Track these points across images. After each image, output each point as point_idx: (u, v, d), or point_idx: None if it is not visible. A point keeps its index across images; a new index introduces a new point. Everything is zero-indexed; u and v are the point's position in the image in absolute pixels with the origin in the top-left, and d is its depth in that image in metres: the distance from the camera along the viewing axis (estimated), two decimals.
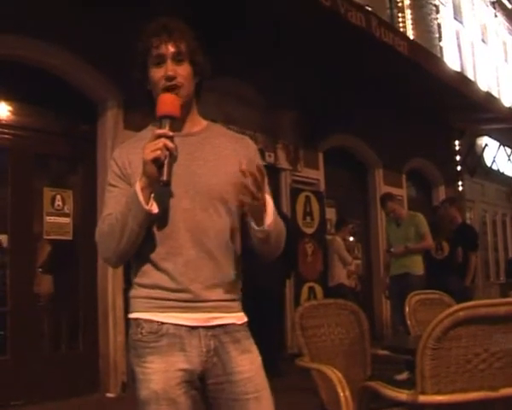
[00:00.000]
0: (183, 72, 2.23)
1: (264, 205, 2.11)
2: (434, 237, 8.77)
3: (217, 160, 2.26)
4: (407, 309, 4.57)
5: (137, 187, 2.09)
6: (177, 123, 2.18)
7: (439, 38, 15.02)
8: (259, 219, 2.14)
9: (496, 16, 19.29)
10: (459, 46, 16.31)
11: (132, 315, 2.25)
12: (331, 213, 11.18)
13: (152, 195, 2.11)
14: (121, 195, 2.21)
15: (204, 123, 2.38)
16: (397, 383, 2.90)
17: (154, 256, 2.19)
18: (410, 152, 13.22)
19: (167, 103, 2.16)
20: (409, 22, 13.39)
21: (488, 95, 14.50)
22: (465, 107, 12.88)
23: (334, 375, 3.26)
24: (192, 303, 2.17)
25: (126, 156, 2.27)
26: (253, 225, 2.16)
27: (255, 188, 2.04)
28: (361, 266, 11.94)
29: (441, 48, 14.96)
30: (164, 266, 2.18)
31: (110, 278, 7.08)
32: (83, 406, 6.63)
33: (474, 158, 15.86)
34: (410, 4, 13.56)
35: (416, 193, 14.48)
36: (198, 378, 2.18)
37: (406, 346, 4.20)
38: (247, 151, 2.34)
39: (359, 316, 3.89)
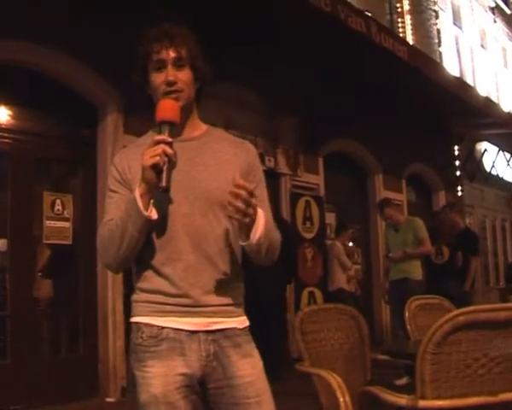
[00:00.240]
0: (183, 77, 2.23)
1: (252, 222, 2.09)
2: (434, 241, 8.78)
3: (217, 165, 2.26)
4: (407, 314, 4.57)
5: (137, 193, 2.09)
6: (176, 128, 2.18)
7: (439, 44, 15.03)
8: (245, 235, 2.13)
9: (495, 22, 19.31)
10: (458, 51, 16.33)
11: (133, 319, 2.25)
12: (331, 218, 11.18)
13: (151, 201, 2.11)
14: (121, 200, 2.21)
15: (204, 127, 2.38)
16: (396, 388, 2.90)
17: (154, 262, 2.19)
18: (409, 157, 13.23)
19: (167, 109, 2.15)
20: (408, 28, 13.42)
21: (487, 100, 14.51)
22: (464, 112, 12.89)
23: (334, 380, 3.26)
24: (192, 308, 2.17)
25: (126, 162, 2.27)
26: (239, 239, 2.16)
27: (245, 204, 2.03)
28: (361, 271, 11.94)
29: (440, 53, 14.97)
30: (164, 272, 2.18)
31: (110, 283, 7.08)
32: None
33: (473, 163, 15.87)
34: (409, 10, 13.58)
35: (415, 198, 14.48)
36: (198, 383, 2.18)
37: (406, 351, 4.20)
38: (248, 156, 2.34)
39: (359, 321, 3.89)
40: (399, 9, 13.33)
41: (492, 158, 16.97)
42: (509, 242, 18.81)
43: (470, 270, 8.96)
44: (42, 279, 7.07)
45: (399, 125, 12.18)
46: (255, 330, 2.34)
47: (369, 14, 9.93)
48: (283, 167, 9.97)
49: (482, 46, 18.11)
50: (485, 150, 16.62)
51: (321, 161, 10.87)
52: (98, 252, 2.29)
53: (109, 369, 7.09)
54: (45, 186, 7.11)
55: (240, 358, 2.21)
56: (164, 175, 2.06)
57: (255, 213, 2.08)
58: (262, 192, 2.32)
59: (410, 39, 13.03)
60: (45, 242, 7.02)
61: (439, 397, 2.53)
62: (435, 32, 15.03)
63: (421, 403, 2.53)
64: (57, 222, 7.04)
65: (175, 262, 2.18)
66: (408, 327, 4.53)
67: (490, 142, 16.67)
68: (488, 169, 16.82)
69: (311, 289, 10.01)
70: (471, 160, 15.78)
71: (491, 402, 2.54)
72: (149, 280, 2.21)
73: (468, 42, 17.02)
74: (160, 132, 2.12)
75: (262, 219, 2.12)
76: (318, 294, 10.04)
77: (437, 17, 15.12)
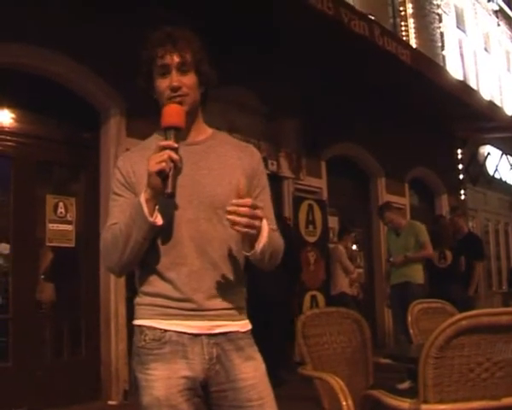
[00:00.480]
0: (188, 81, 2.22)
1: (258, 233, 2.10)
2: (437, 245, 8.77)
3: (222, 169, 2.25)
4: (409, 318, 4.57)
5: (142, 199, 2.09)
6: (182, 133, 2.18)
7: (442, 47, 15.04)
8: (249, 246, 2.13)
9: (499, 25, 19.30)
10: (462, 55, 16.32)
11: (136, 322, 2.25)
12: (333, 222, 11.17)
13: (156, 207, 2.11)
14: (126, 204, 2.21)
15: (209, 131, 2.37)
16: (399, 392, 2.90)
17: (158, 266, 2.19)
18: (412, 161, 13.22)
19: (172, 114, 2.14)
20: (412, 31, 13.42)
21: (491, 104, 14.51)
22: (468, 115, 12.89)
23: (337, 383, 3.25)
24: (195, 312, 2.17)
25: (130, 165, 2.27)
26: (242, 249, 2.17)
27: (250, 219, 2.04)
28: (363, 275, 11.92)
29: (444, 57, 14.98)
30: (168, 276, 2.18)
31: (112, 286, 7.08)
32: None
33: (476, 167, 15.86)
34: (412, 13, 13.59)
35: (418, 202, 14.47)
36: (201, 386, 2.18)
37: (408, 355, 4.19)
38: (252, 160, 2.34)
39: (361, 324, 3.89)
40: (403, 13, 13.34)
41: (495, 162, 16.96)
42: (511, 246, 18.78)
43: (475, 275, 8.95)
44: (44, 282, 7.08)
45: (402, 128, 12.18)
46: (258, 334, 2.33)
47: (373, 18, 9.93)
48: (286, 171, 9.97)
49: (486, 50, 18.11)
50: (489, 154, 16.62)
51: (323, 164, 10.86)
52: (101, 256, 2.29)
53: (111, 372, 7.09)
54: (48, 189, 7.12)
55: (242, 361, 2.21)
56: (169, 181, 2.06)
57: (260, 225, 2.09)
58: (266, 197, 2.32)
59: (413, 43, 13.04)
60: (48, 245, 7.02)
61: (441, 401, 2.52)
62: (438, 36, 15.03)
63: (424, 407, 2.53)
64: (60, 225, 7.04)
65: (179, 267, 2.18)
66: (410, 331, 4.52)
67: (493, 145, 16.66)
68: (491, 173, 16.82)
69: (314, 292, 10.00)
70: (474, 163, 15.77)
71: (493, 407, 2.53)
72: (153, 284, 2.21)
73: (472, 45, 17.01)
74: (165, 138, 2.11)
75: (266, 229, 2.12)
76: (321, 297, 10.03)
77: (440, 20, 15.13)
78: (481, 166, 16.26)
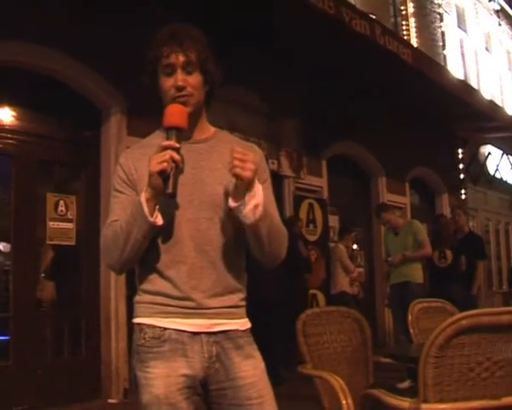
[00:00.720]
0: (193, 81, 2.22)
1: (248, 183, 2.05)
2: (437, 245, 8.77)
3: (224, 168, 2.22)
4: (410, 317, 4.57)
5: (143, 198, 2.09)
6: (184, 133, 2.17)
7: (443, 47, 15.03)
8: (239, 195, 2.07)
9: (500, 25, 19.29)
10: (463, 54, 16.31)
11: (136, 320, 2.25)
12: (334, 221, 11.17)
13: (157, 206, 2.11)
14: (127, 201, 2.21)
15: (212, 130, 2.37)
16: (399, 392, 2.90)
17: (158, 264, 2.19)
18: (413, 160, 13.22)
19: (174, 114, 2.14)
20: (413, 30, 13.41)
21: (491, 103, 14.50)
22: (468, 115, 12.89)
23: (337, 382, 3.25)
24: (195, 310, 2.17)
25: (132, 162, 2.27)
26: (230, 201, 2.10)
27: (244, 160, 2.03)
28: (363, 274, 11.92)
29: (445, 56, 14.97)
30: (168, 274, 2.18)
31: (113, 284, 7.08)
32: None
33: (477, 166, 15.86)
34: (414, 12, 13.58)
35: (419, 201, 14.47)
36: (200, 384, 2.18)
37: (409, 354, 4.19)
38: (254, 158, 2.33)
39: (362, 324, 3.89)
40: (404, 12, 13.33)
41: (496, 161, 16.96)
42: None
43: (478, 274, 8.95)
44: (45, 280, 7.09)
45: (403, 128, 12.19)
46: (258, 333, 2.33)
47: (374, 17, 9.93)
48: (286, 170, 9.97)
49: (487, 49, 18.09)
50: (489, 153, 16.61)
51: (324, 163, 10.87)
52: (101, 252, 2.29)
53: (112, 370, 7.09)
54: (49, 187, 7.12)
55: (242, 359, 2.21)
56: (170, 181, 2.05)
57: (252, 175, 2.05)
58: (267, 193, 2.28)
59: (414, 42, 13.03)
60: (48, 243, 7.03)
61: (441, 401, 2.52)
62: (440, 35, 15.02)
63: (424, 407, 2.53)
64: (60, 223, 7.05)
65: (179, 265, 2.18)
66: (411, 330, 4.52)
67: (494, 145, 16.65)
68: (492, 172, 16.81)
69: (314, 291, 10.00)
70: (475, 163, 15.77)
71: (493, 406, 2.53)
72: (153, 282, 2.21)
73: (473, 45, 17.00)
74: (167, 138, 2.11)
75: (260, 191, 2.08)
76: (321, 296, 10.03)
77: (441, 20, 15.12)
78: (482, 165, 16.26)
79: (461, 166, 15.26)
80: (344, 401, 3.16)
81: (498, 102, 16.34)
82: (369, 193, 12.66)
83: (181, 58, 2.20)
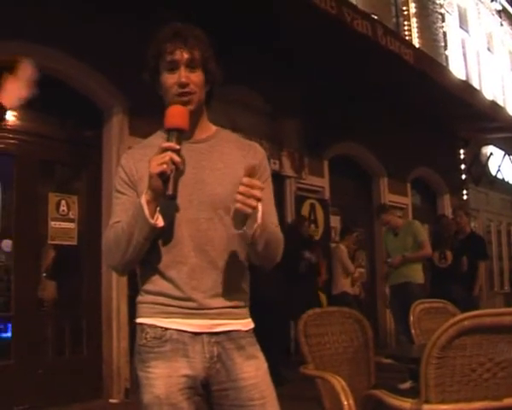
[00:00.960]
0: (195, 79, 2.22)
1: (252, 213, 2.04)
2: (438, 245, 8.76)
3: (224, 168, 2.24)
4: (411, 318, 4.56)
5: (143, 200, 2.08)
6: (185, 134, 2.16)
7: (445, 47, 15.02)
8: (240, 224, 2.08)
9: (502, 25, 19.27)
10: (464, 55, 16.30)
11: (137, 320, 2.25)
12: (336, 221, 11.17)
13: (158, 208, 2.10)
14: (129, 202, 2.21)
15: (213, 129, 2.37)
16: (400, 392, 2.89)
17: (159, 265, 2.19)
18: (414, 161, 13.22)
19: (175, 116, 2.13)
20: (414, 31, 13.41)
21: (493, 104, 14.50)
22: (470, 116, 12.88)
23: (338, 383, 3.25)
24: (196, 310, 2.17)
25: (133, 163, 2.27)
26: (233, 227, 2.11)
27: (248, 194, 2.01)
28: (365, 275, 11.91)
29: (447, 56, 14.96)
30: (169, 275, 2.18)
31: (114, 284, 7.09)
32: None
33: (478, 167, 15.85)
34: (415, 13, 13.58)
35: (420, 202, 14.46)
36: (201, 385, 2.18)
37: (410, 355, 4.19)
38: (255, 157, 2.32)
39: (363, 324, 3.88)
40: (405, 12, 13.32)
41: (498, 162, 16.94)
42: None
43: (479, 274, 8.94)
44: (46, 280, 7.08)
45: (404, 128, 12.18)
46: (257, 333, 2.33)
47: (375, 17, 9.93)
48: (288, 170, 9.97)
49: (489, 49, 18.08)
50: (491, 154, 16.59)
51: (326, 163, 10.87)
52: (104, 254, 2.29)
53: (113, 370, 7.09)
54: (50, 187, 7.12)
55: (244, 360, 2.20)
56: (170, 183, 2.05)
57: (256, 205, 2.04)
58: (266, 192, 2.26)
59: (416, 42, 13.03)
60: (50, 242, 7.03)
61: (443, 401, 2.52)
62: (441, 36, 15.02)
63: (426, 407, 2.52)
64: (62, 223, 7.05)
65: (180, 266, 2.17)
66: (412, 331, 4.52)
67: (496, 146, 16.64)
68: (494, 173, 16.79)
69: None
70: (476, 163, 15.75)
71: (495, 407, 2.53)
72: (154, 282, 2.21)
73: (475, 45, 17.00)
74: (167, 139, 2.10)
75: (260, 212, 2.07)
76: (322, 297, 10.01)
77: (443, 20, 15.11)
78: (484, 166, 16.24)
79: (463, 166, 15.25)
80: (345, 402, 3.15)
81: (500, 103, 16.34)
82: (371, 193, 12.66)
83: (185, 55, 2.20)
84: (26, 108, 6.83)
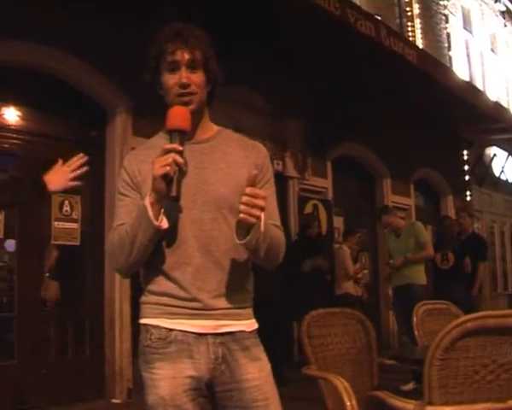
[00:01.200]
0: (196, 79, 2.21)
1: (254, 222, 2.04)
2: (440, 246, 8.76)
3: (227, 168, 2.24)
4: (414, 319, 4.55)
5: (147, 202, 2.08)
6: (187, 135, 2.16)
7: (449, 48, 15.01)
8: (242, 233, 2.08)
9: (505, 26, 19.25)
10: (468, 56, 16.29)
11: (142, 321, 2.24)
12: (339, 222, 11.16)
13: (162, 210, 2.10)
14: (132, 204, 2.21)
15: (215, 129, 2.36)
16: (403, 394, 2.89)
17: (163, 266, 2.19)
18: (418, 162, 13.20)
19: (177, 117, 2.13)
20: (418, 31, 13.40)
21: (497, 105, 14.48)
22: (474, 117, 12.87)
23: (341, 384, 3.24)
24: (201, 311, 2.16)
25: (136, 165, 2.26)
26: (235, 236, 2.11)
27: (251, 204, 2.01)
28: (368, 276, 11.88)
29: (450, 57, 14.95)
30: (173, 276, 2.18)
31: (117, 284, 7.09)
32: None
33: (482, 168, 15.83)
34: (419, 14, 13.57)
35: (424, 203, 14.45)
36: (206, 386, 2.17)
37: (413, 356, 4.19)
38: (257, 157, 2.32)
39: (366, 325, 3.88)
40: (409, 13, 13.31)
41: (502, 163, 16.91)
42: None
43: (478, 275, 8.93)
44: (49, 280, 7.09)
45: (408, 129, 12.17)
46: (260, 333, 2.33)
47: (379, 18, 9.93)
48: (291, 171, 9.97)
49: (492, 50, 18.06)
50: (495, 155, 16.57)
51: (329, 164, 10.86)
52: (108, 257, 2.28)
53: (116, 371, 7.10)
54: None
55: (248, 361, 2.20)
56: (174, 184, 2.05)
57: (260, 214, 2.04)
58: (268, 192, 2.26)
59: (419, 43, 13.02)
60: (53, 243, 7.03)
61: (446, 403, 2.51)
62: (445, 36, 15.00)
63: (429, 409, 2.51)
64: (65, 223, 7.05)
65: (184, 267, 2.17)
66: (416, 333, 4.51)
67: (499, 147, 16.62)
68: (497, 174, 16.77)
69: None
70: (480, 165, 15.74)
71: (499, 409, 2.52)
72: (159, 283, 2.20)
73: (478, 46, 16.98)
74: (170, 140, 2.10)
75: (263, 220, 2.07)
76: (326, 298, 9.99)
77: (447, 21, 15.10)
78: (487, 167, 16.22)
79: (466, 167, 15.24)
80: (348, 403, 3.15)
81: (504, 104, 16.32)
82: (374, 194, 12.65)
83: (186, 56, 2.19)
84: (29, 107, 6.87)
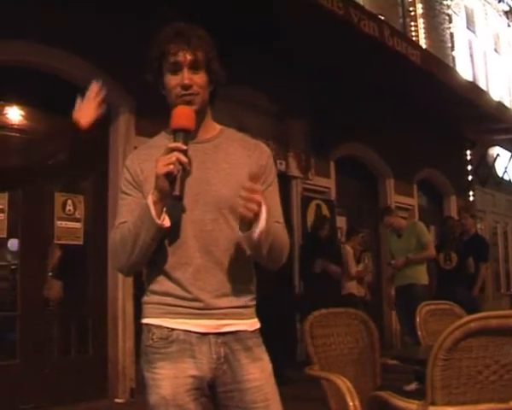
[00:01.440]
0: (199, 80, 2.21)
1: (255, 217, 2.04)
2: (443, 247, 8.75)
3: (229, 168, 2.24)
4: (417, 320, 4.55)
5: (150, 201, 2.08)
6: (191, 134, 2.16)
7: (452, 48, 15.00)
8: (245, 227, 2.08)
9: (509, 26, 19.22)
10: (471, 56, 16.27)
11: (144, 321, 2.24)
12: (341, 222, 11.16)
13: (164, 209, 2.10)
14: (134, 203, 2.21)
15: (217, 128, 2.36)
16: (406, 394, 2.89)
17: (165, 266, 2.19)
18: (421, 162, 13.19)
19: (181, 116, 2.13)
20: (421, 31, 13.39)
21: (500, 105, 14.46)
22: (477, 117, 12.85)
23: (344, 384, 3.25)
24: (203, 311, 2.16)
25: (138, 164, 2.26)
26: (238, 230, 2.11)
27: (249, 198, 2.01)
28: (371, 276, 11.87)
29: (453, 57, 14.94)
30: (175, 276, 2.18)
31: (120, 284, 7.09)
32: None
33: (485, 168, 15.81)
34: (422, 13, 13.56)
35: (427, 203, 14.43)
36: (208, 386, 2.17)
37: (416, 356, 4.18)
38: (260, 157, 2.32)
39: (369, 326, 3.88)
40: (412, 13, 13.30)
41: (505, 163, 16.90)
42: None
43: (480, 275, 8.93)
44: (52, 280, 7.09)
45: (411, 129, 12.16)
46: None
47: (382, 18, 9.92)
48: (294, 171, 9.97)
49: (496, 50, 18.03)
50: (498, 155, 16.56)
51: (332, 164, 10.86)
52: (110, 256, 2.29)
53: (118, 370, 7.10)
54: (56, 187, 7.12)
55: (250, 361, 2.20)
56: (177, 183, 2.05)
57: (257, 209, 2.03)
58: (273, 193, 2.28)
59: (422, 43, 13.00)
60: (56, 242, 7.04)
61: (449, 403, 2.51)
62: (448, 36, 14.99)
63: (432, 409, 2.52)
64: (68, 223, 7.06)
65: (185, 267, 2.17)
66: (419, 333, 4.51)
67: (502, 147, 16.61)
68: (500, 174, 16.75)
69: None
70: (483, 165, 15.72)
71: (501, 409, 2.52)
72: (161, 283, 2.20)
73: (482, 46, 16.95)
74: (174, 140, 2.10)
75: (264, 216, 2.06)
76: None
77: (450, 21, 15.08)
78: (490, 167, 16.20)
79: (469, 167, 15.23)
80: (351, 403, 3.15)
81: (507, 104, 16.28)
82: (377, 194, 12.64)
83: (188, 57, 2.19)
84: (32, 107, 6.87)
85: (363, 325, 3.88)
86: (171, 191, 2.05)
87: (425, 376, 2.54)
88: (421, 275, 8.13)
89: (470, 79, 14.79)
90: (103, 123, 7.40)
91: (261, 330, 2.31)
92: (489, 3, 17.83)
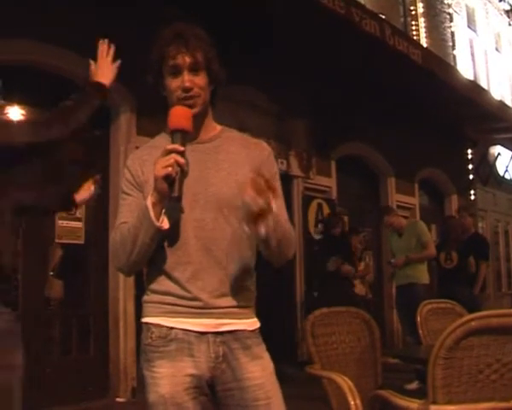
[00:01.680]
0: (199, 82, 2.21)
1: (260, 212, 2.01)
2: (444, 246, 8.75)
3: (230, 168, 2.24)
4: (418, 319, 4.55)
5: (149, 202, 2.08)
6: (190, 135, 2.16)
7: (453, 47, 14.99)
8: (251, 224, 2.05)
9: (510, 25, 19.21)
10: (472, 55, 16.26)
11: (143, 320, 2.25)
12: None
13: (163, 210, 2.10)
14: (135, 203, 2.21)
15: (218, 128, 2.36)
16: (407, 393, 2.89)
17: (165, 265, 2.19)
18: (422, 161, 13.18)
19: (179, 117, 2.13)
20: (422, 30, 13.38)
21: (501, 104, 14.45)
22: (478, 116, 12.85)
23: (345, 383, 3.25)
24: (202, 310, 2.17)
25: (139, 164, 2.27)
26: (244, 227, 2.08)
27: (258, 194, 1.99)
28: (372, 275, 11.87)
29: (454, 56, 14.92)
30: (175, 275, 2.18)
31: (121, 283, 7.09)
32: None
33: (486, 167, 15.80)
34: (423, 12, 13.55)
35: (428, 202, 14.43)
36: (207, 385, 2.18)
37: (417, 355, 4.19)
38: (261, 155, 2.32)
39: (370, 325, 3.88)
40: (413, 12, 13.29)
41: (506, 162, 16.88)
42: None
43: (480, 275, 8.93)
44: (53, 279, 7.09)
45: (412, 128, 12.15)
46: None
47: (383, 17, 9.91)
48: (296, 170, 9.96)
49: (497, 49, 18.02)
50: (499, 154, 16.54)
51: (333, 163, 10.85)
52: (110, 255, 2.29)
53: (120, 370, 7.10)
54: None
55: (249, 360, 2.20)
56: (176, 185, 2.05)
57: (261, 204, 2.00)
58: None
59: (423, 42, 12.99)
60: (57, 241, 7.03)
61: (450, 402, 2.51)
62: (449, 35, 14.98)
63: (433, 408, 2.52)
64: (69, 222, 7.05)
65: (185, 266, 2.18)
66: (420, 332, 4.51)
67: (503, 146, 16.59)
68: (501, 173, 16.73)
69: None
70: (484, 164, 15.71)
71: (503, 408, 2.52)
72: (161, 282, 2.21)
73: (483, 45, 16.95)
74: (172, 141, 2.10)
75: (274, 207, 2.03)
76: None
77: (451, 20, 15.07)
78: (491, 166, 16.18)
79: (470, 166, 15.21)
80: (352, 402, 3.15)
81: (508, 103, 16.27)
82: (378, 194, 12.63)
83: (187, 59, 2.19)
84: (34, 106, 6.87)
85: (365, 324, 3.89)
86: (170, 193, 2.05)
87: (426, 375, 2.54)
88: (422, 274, 8.14)
89: (471, 78, 14.78)
90: (104, 122, 7.44)
91: (261, 330, 2.31)
92: (490, 2, 17.82)
